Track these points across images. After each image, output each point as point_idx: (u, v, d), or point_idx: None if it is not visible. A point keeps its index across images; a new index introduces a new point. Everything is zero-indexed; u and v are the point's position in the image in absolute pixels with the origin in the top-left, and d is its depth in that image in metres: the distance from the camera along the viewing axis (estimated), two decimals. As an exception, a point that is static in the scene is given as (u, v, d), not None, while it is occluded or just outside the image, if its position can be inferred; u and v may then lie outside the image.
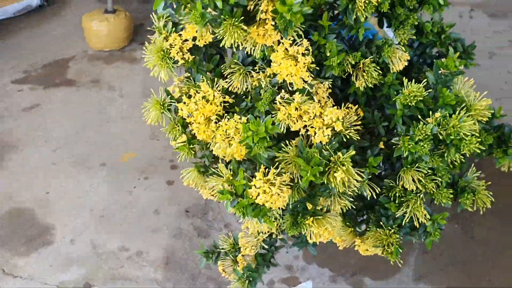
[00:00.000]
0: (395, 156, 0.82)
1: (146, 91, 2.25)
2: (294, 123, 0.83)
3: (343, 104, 0.94)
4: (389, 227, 0.93)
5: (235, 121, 0.85)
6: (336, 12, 0.91)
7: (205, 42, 0.88)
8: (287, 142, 0.84)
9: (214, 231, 1.65)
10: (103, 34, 2.32)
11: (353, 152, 0.78)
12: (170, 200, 1.75)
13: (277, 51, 0.83)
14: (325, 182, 0.80)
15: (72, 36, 2.46)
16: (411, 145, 0.80)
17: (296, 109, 0.83)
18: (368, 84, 0.91)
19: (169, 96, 0.96)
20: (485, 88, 0.94)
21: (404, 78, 0.91)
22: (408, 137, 0.80)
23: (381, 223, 0.93)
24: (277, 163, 0.81)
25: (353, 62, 0.91)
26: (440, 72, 0.88)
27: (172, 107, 0.96)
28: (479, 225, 1.64)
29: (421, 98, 0.83)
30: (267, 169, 0.78)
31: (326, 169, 0.78)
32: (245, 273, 1.01)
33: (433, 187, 0.88)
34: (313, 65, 0.84)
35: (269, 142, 0.76)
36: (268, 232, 1.05)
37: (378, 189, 0.89)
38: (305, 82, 0.84)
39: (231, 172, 0.83)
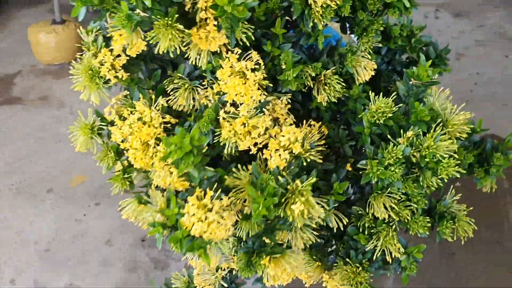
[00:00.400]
0: (363, 182, 0.73)
1: (100, 107, 2.06)
2: (242, 141, 0.72)
3: (305, 121, 0.84)
4: (357, 264, 0.82)
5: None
6: (294, 17, 0.80)
7: (138, 51, 0.76)
8: (240, 166, 0.73)
9: (173, 261, 1.52)
10: (51, 47, 2.18)
11: (314, 180, 0.67)
12: (124, 229, 1.61)
13: (221, 67, 0.73)
14: (282, 216, 0.69)
15: (19, 49, 2.32)
16: (380, 170, 0.69)
17: (244, 124, 0.72)
18: (331, 98, 0.82)
19: (101, 118, 0.85)
20: (454, 91, 0.86)
21: (370, 91, 0.81)
22: (377, 161, 0.70)
23: (348, 258, 0.84)
24: (231, 191, 0.71)
25: (313, 74, 0.81)
26: (411, 83, 0.78)
27: (105, 131, 0.85)
28: (456, 244, 1.53)
29: (391, 115, 0.74)
30: (203, 192, 0.66)
31: (283, 200, 0.67)
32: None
33: (408, 215, 0.79)
34: (265, 82, 0.74)
35: (197, 157, 0.63)
36: (228, 268, 0.94)
37: (346, 219, 0.80)
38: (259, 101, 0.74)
39: (166, 201, 0.71)
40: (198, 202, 0.64)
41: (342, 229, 0.80)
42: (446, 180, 0.71)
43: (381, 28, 0.83)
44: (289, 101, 0.83)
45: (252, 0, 0.64)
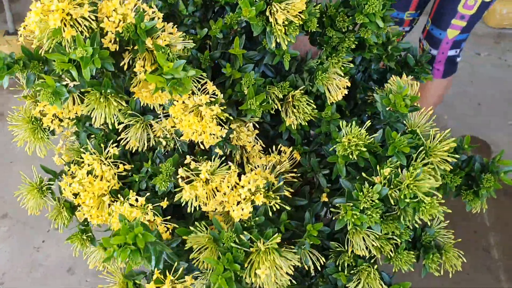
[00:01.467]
0: (337, 229, 0.65)
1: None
2: (205, 205, 0.66)
3: (274, 148, 0.79)
4: None
5: (130, 204, 0.68)
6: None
7: (76, 113, 0.69)
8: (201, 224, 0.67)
9: (140, 291, 1.38)
10: None
11: (278, 240, 0.61)
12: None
13: (174, 104, 0.66)
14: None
15: (-31, 62, 2.10)
16: (355, 216, 0.62)
17: (207, 181, 0.66)
18: (300, 121, 0.76)
19: (49, 174, 0.80)
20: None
21: (345, 105, 0.78)
22: (351, 205, 0.63)
23: None
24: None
25: (280, 96, 0.74)
26: (388, 109, 0.71)
27: (55, 186, 0.79)
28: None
29: (364, 149, 0.66)
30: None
31: (246, 264, 0.60)
32: None
33: (391, 251, 0.72)
34: (225, 114, 0.67)
35: (146, 254, 0.55)
36: None
37: (323, 259, 0.73)
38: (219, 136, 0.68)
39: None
40: None
41: (319, 269, 0.73)
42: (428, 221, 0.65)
43: (353, 46, 0.77)
44: (256, 125, 0.77)
45: (196, 72, 0.56)
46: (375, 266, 0.73)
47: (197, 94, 0.66)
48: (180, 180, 0.66)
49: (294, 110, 0.74)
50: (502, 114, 1.87)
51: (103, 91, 0.60)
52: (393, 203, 0.64)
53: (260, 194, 0.65)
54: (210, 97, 0.66)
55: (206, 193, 0.64)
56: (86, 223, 0.77)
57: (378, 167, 0.65)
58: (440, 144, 0.67)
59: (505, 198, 1.62)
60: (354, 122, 0.68)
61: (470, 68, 2.16)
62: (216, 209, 0.66)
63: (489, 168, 0.74)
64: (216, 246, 0.61)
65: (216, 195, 0.65)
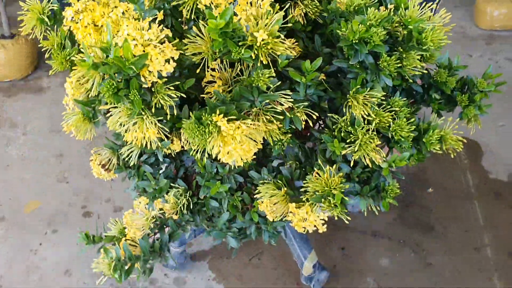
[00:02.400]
0: (343, 44, 0.66)
1: (54, 126, 1.89)
2: None
3: None
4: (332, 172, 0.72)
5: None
6: None
7: None
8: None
9: (139, 292, 1.36)
10: (0, 63, 2.07)
11: (282, 13, 0.63)
12: (83, 257, 1.45)
13: None
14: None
15: (-34, 67, 2.11)
16: (361, 29, 0.63)
17: None
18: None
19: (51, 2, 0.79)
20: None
21: None
22: (357, 22, 0.64)
23: (322, 170, 0.72)
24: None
25: None
26: None
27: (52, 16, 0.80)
28: (434, 252, 1.49)
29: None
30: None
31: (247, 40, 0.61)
32: (121, 262, 0.79)
33: (390, 118, 0.70)
34: None
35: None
36: (160, 211, 0.84)
37: (315, 114, 0.71)
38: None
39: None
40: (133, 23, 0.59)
41: (311, 125, 0.72)
42: (435, 48, 0.66)
43: None
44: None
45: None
46: (373, 127, 0.70)
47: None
48: None
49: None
50: (493, 115, 1.87)
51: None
52: (397, 39, 0.66)
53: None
54: None
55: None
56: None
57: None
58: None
59: (496, 201, 1.60)
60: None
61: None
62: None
63: (483, 77, 0.79)
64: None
65: None
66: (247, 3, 0.64)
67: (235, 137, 0.60)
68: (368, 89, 0.70)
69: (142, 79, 0.58)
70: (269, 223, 0.84)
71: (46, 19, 0.78)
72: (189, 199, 0.84)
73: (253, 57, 0.61)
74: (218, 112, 0.60)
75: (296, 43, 0.73)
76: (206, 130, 0.60)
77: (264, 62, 0.62)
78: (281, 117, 0.69)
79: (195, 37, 0.66)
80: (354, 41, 0.64)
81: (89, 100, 0.76)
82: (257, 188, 0.77)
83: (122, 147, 0.86)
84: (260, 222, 0.84)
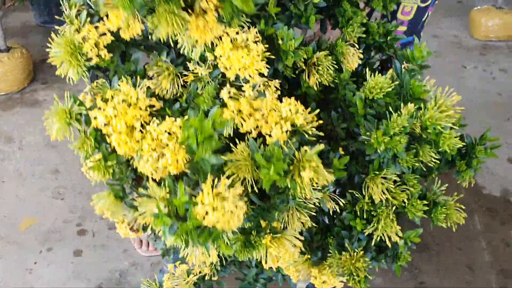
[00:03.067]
0: (368, 152, 0.73)
1: (50, 140, 1.84)
2: (244, 121, 0.70)
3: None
4: (354, 250, 0.81)
5: (169, 123, 0.70)
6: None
7: (132, 35, 0.74)
8: (233, 144, 0.70)
9: (132, 311, 1.33)
10: None
11: (322, 146, 0.67)
12: (78, 276, 1.46)
13: (219, 42, 0.72)
14: (287, 188, 0.67)
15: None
16: (386, 139, 0.70)
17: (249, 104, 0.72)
18: (323, 81, 0.82)
19: (78, 104, 0.79)
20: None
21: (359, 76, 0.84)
22: (382, 131, 0.71)
23: (344, 246, 0.82)
24: (225, 171, 0.67)
25: (304, 57, 0.81)
26: (402, 66, 0.80)
27: (82, 118, 0.79)
28: (426, 271, 1.51)
29: (389, 89, 0.75)
30: (215, 180, 0.63)
31: (290, 168, 0.65)
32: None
33: (405, 198, 0.79)
34: (267, 54, 0.73)
35: (218, 143, 0.61)
36: (199, 273, 0.89)
37: (342, 200, 0.79)
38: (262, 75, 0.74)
39: (167, 190, 0.66)
40: (211, 190, 0.61)
41: (334, 216, 0.80)
42: (447, 151, 0.73)
43: (364, 21, 0.87)
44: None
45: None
46: (392, 209, 0.77)
47: (243, 31, 0.72)
48: (226, 98, 0.69)
49: (319, 68, 0.80)
50: (487, 127, 1.87)
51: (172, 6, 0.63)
52: (414, 135, 0.72)
53: (300, 114, 0.69)
54: (255, 38, 0.72)
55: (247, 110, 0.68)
56: (110, 155, 0.77)
57: (401, 105, 0.72)
58: (447, 99, 0.74)
59: (490, 217, 1.61)
60: (376, 73, 0.76)
61: (456, 81, 2.16)
62: (251, 131, 0.69)
63: (480, 142, 0.85)
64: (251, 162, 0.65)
65: (255, 115, 0.69)
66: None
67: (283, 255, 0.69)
68: (385, 171, 0.76)
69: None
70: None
71: (75, 123, 0.76)
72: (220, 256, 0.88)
73: (298, 189, 0.65)
74: (264, 235, 0.67)
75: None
76: (254, 250, 0.67)
77: (307, 195, 0.65)
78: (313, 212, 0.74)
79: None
80: (378, 149, 0.70)
81: (118, 179, 0.78)
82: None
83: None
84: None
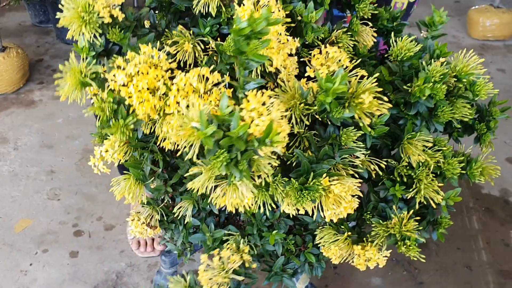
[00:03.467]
0: (413, 100, 0.71)
1: (46, 141, 1.81)
2: (275, 57, 0.66)
3: None
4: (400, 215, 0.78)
5: (197, 70, 0.65)
6: None
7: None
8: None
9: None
10: None
11: (378, 74, 0.65)
12: (74, 277, 1.40)
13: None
14: (334, 139, 0.66)
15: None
16: (428, 85, 0.69)
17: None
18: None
19: (94, 63, 0.72)
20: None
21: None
22: (423, 78, 0.70)
23: (385, 217, 0.78)
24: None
25: (322, 36, 0.80)
26: (422, 34, 0.81)
27: (97, 81, 0.72)
28: (426, 271, 1.48)
29: (418, 48, 0.75)
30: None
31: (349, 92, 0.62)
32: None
33: (441, 158, 0.77)
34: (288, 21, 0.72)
35: (268, 40, 0.55)
36: (235, 261, 0.80)
37: (383, 162, 0.76)
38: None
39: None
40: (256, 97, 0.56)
41: (380, 173, 0.76)
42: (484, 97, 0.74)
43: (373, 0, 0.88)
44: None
45: None
46: (431, 168, 0.75)
47: None
48: None
49: (339, 46, 0.78)
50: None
51: None
52: (452, 85, 0.72)
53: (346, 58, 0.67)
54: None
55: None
56: (129, 115, 0.70)
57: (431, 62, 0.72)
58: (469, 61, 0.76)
59: (488, 217, 1.60)
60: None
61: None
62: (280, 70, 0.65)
63: (494, 104, 0.86)
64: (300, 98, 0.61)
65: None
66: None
67: (345, 197, 0.63)
68: (419, 133, 0.75)
69: (260, 152, 0.55)
70: (321, 258, 0.87)
71: (91, 82, 0.70)
72: (250, 244, 0.83)
73: (355, 117, 0.63)
74: (324, 175, 0.63)
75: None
76: (316, 195, 0.62)
77: (366, 122, 0.63)
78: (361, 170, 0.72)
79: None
80: (421, 97, 0.70)
81: (138, 162, 0.74)
82: (315, 233, 0.79)
83: (159, 202, 0.85)
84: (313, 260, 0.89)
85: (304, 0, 0.81)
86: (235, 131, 0.51)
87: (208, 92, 0.63)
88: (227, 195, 0.61)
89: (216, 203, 0.63)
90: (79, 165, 1.70)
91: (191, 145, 0.54)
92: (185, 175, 0.72)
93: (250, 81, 0.60)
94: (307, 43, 0.78)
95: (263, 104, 0.54)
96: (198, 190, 0.60)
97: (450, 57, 0.78)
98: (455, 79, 0.74)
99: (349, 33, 0.81)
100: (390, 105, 0.63)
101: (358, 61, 0.71)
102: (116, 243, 1.46)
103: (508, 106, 0.87)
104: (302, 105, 0.63)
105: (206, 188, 0.60)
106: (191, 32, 0.78)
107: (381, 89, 0.63)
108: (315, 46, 0.81)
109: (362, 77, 0.66)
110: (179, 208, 0.81)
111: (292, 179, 0.64)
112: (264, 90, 0.56)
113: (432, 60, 0.74)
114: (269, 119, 0.53)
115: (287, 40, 0.68)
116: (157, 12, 0.82)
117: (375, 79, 0.63)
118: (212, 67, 0.65)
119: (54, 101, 2.03)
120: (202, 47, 0.76)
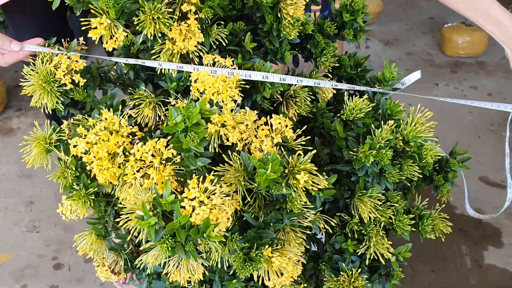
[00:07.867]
0: (357, 167, 0.75)
1: (24, 171, 1.78)
2: (230, 133, 0.70)
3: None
4: (351, 270, 0.81)
5: (153, 142, 0.69)
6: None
7: (117, 44, 0.73)
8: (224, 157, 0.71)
9: None
10: None
11: (314, 151, 0.68)
12: None
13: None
14: (281, 203, 0.69)
15: None
16: (373, 153, 0.72)
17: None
18: (302, 111, 0.84)
19: (57, 132, 0.78)
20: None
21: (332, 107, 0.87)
22: (368, 145, 0.74)
23: (338, 270, 0.81)
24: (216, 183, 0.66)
25: (281, 89, 0.83)
26: (375, 87, 0.86)
27: (61, 147, 0.77)
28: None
29: (369, 109, 0.79)
30: (202, 178, 0.62)
31: (286, 171, 0.66)
32: None
33: (392, 215, 0.81)
34: (242, 83, 0.75)
35: (204, 131, 0.60)
36: None
37: (334, 220, 0.80)
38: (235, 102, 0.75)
39: (153, 194, 0.64)
40: (198, 186, 0.60)
41: (331, 231, 0.80)
42: (429, 164, 0.77)
43: (336, 52, 0.91)
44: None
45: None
46: (382, 226, 0.79)
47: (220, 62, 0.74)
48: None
49: (296, 100, 0.82)
50: (459, 147, 1.91)
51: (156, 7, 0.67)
52: (397, 150, 0.75)
53: (289, 128, 0.71)
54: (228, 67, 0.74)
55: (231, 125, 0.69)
56: (91, 184, 0.75)
57: (381, 124, 0.76)
58: (420, 115, 0.79)
59: (462, 239, 1.62)
60: (355, 97, 0.79)
61: (428, 100, 2.20)
62: (236, 143, 0.69)
63: (453, 157, 0.92)
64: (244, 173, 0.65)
65: (239, 128, 0.69)
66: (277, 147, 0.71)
67: (286, 267, 0.66)
68: (370, 190, 0.78)
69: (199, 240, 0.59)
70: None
71: (54, 149, 0.75)
72: None
73: (293, 195, 0.66)
74: (266, 246, 0.66)
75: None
76: (258, 266, 0.65)
77: (303, 199, 0.66)
78: (308, 231, 0.75)
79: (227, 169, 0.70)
80: (367, 163, 0.73)
81: (100, 217, 0.76)
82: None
83: (122, 247, 0.87)
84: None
85: (264, 56, 0.85)
86: (176, 221, 0.54)
87: (164, 163, 0.66)
88: (177, 271, 0.64)
89: (169, 277, 0.66)
90: (58, 194, 1.70)
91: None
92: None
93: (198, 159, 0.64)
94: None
95: (205, 190, 0.58)
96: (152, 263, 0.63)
97: (406, 112, 0.79)
98: (403, 142, 0.76)
99: (306, 88, 0.84)
100: (326, 183, 0.66)
101: (303, 128, 0.74)
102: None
103: (468, 157, 0.90)
104: (245, 182, 0.66)
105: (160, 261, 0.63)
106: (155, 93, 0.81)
107: (316, 168, 0.66)
108: (274, 100, 0.83)
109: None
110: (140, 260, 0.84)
111: (236, 249, 0.67)
112: (207, 174, 0.60)
113: (382, 122, 0.76)
114: (209, 207, 0.56)
115: (245, 114, 0.71)
116: (124, 63, 0.84)
117: (313, 154, 0.66)
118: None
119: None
120: (163, 109, 0.79)
